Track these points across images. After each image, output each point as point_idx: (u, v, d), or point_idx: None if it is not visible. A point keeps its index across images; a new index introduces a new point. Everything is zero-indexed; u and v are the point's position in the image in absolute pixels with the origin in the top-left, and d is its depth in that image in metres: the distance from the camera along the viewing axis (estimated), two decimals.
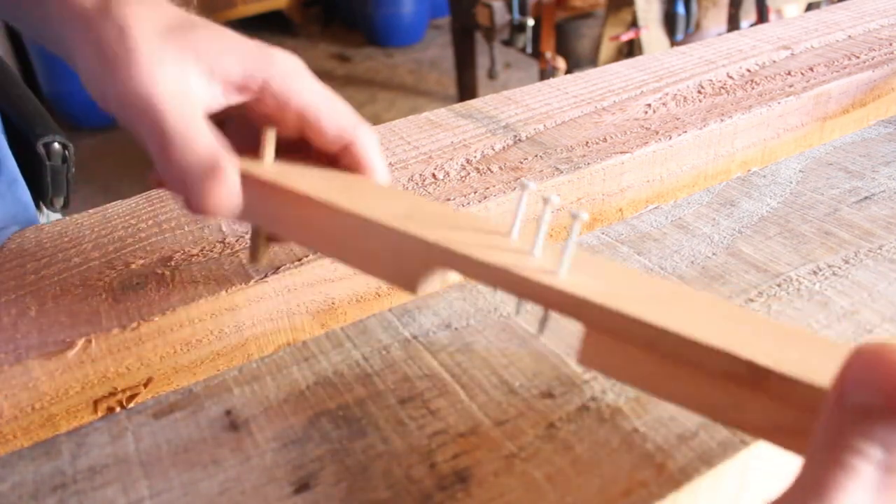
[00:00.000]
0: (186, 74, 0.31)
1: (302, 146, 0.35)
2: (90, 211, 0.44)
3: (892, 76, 0.58)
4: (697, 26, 1.85)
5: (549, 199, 0.27)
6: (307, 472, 0.30)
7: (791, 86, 0.54)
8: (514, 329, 0.37)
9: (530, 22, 1.99)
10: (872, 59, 0.58)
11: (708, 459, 0.30)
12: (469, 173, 0.45)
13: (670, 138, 0.48)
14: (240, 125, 0.35)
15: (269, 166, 0.34)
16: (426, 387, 0.34)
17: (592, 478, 0.29)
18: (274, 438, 0.32)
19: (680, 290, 0.27)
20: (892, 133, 0.54)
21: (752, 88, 0.54)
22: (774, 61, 0.59)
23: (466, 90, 2.53)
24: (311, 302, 0.39)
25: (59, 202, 0.58)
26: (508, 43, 2.07)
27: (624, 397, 0.33)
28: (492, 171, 0.45)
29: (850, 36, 0.63)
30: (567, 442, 0.31)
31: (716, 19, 1.86)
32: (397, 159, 0.47)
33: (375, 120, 1.97)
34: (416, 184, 0.45)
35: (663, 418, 0.31)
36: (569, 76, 0.58)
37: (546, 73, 2.01)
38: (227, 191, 0.31)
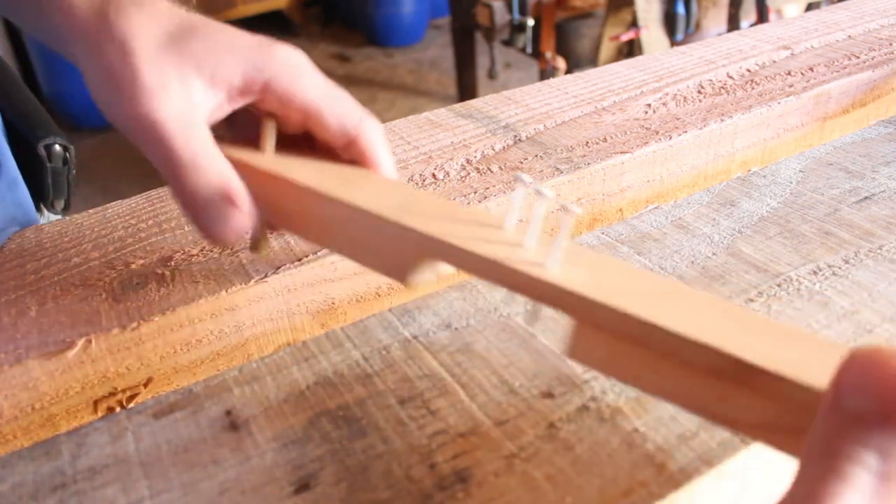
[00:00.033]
0: (189, 89, 0.31)
1: (309, 139, 0.35)
2: (90, 211, 0.44)
3: (892, 76, 0.57)
4: (697, 26, 1.85)
5: (541, 191, 0.27)
6: (307, 473, 0.30)
7: (791, 86, 0.54)
8: (514, 329, 0.37)
9: (530, 22, 1.99)
10: (872, 59, 0.58)
11: (708, 459, 0.30)
12: (469, 173, 0.45)
13: (670, 138, 0.48)
14: (246, 117, 0.36)
15: (269, 157, 0.34)
16: (426, 387, 0.34)
17: (592, 478, 0.29)
18: (274, 438, 0.32)
19: (675, 287, 0.26)
20: (892, 133, 0.54)
21: (752, 88, 0.54)
22: (774, 61, 0.59)
23: (466, 90, 2.53)
24: (311, 302, 0.39)
25: (60, 204, 0.57)
26: (508, 43, 2.07)
27: (624, 397, 0.33)
28: (492, 171, 0.45)
29: (850, 36, 0.63)
30: (567, 442, 0.31)
31: (716, 19, 1.86)
32: (397, 159, 0.47)
33: None
34: (416, 184, 0.45)
35: (663, 418, 0.31)
36: (569, 76, 0.58)
37: (546, 73, 2.01)
38: (240, 219, 0.32)
